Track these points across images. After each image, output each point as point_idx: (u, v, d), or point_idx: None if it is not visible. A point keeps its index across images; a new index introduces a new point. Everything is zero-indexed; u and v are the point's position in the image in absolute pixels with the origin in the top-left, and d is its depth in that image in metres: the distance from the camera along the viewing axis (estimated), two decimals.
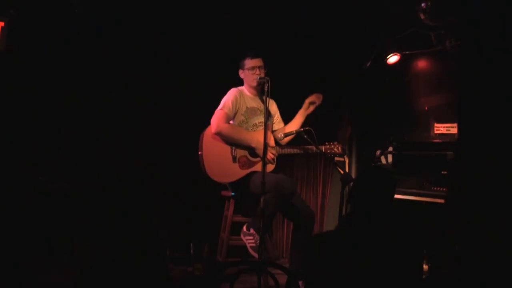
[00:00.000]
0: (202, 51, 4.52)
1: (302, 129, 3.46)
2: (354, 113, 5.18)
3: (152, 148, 4.32)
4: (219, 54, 4.57)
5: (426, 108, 4.42)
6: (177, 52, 4.45)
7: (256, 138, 3.49)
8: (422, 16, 3.74)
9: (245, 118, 3.57)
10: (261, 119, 3.61)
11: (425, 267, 3.13)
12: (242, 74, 3.65)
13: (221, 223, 3.86)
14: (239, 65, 3.66)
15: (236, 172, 3.48)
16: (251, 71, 3.56)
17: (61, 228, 3.06)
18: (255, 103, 3.65)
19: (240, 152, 3.51)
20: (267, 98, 3.25)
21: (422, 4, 3.69)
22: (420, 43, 4.26)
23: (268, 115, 3.62)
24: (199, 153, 3.53)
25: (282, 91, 3.86)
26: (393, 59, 4.52)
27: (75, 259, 2.65)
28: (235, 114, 3.55)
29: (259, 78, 3.46)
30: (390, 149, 4.06)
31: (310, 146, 3.51)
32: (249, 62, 3.58)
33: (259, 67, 3.56)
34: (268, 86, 3.24)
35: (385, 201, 1.90)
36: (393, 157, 3.96)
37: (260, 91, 3.65)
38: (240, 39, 4.59)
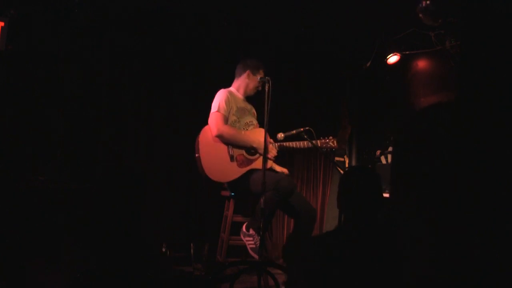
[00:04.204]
0: (200, 54, 4.53)
1: (302, 130, 3.46)
2: (354, 113, 5.19)
3: (152, 148, 4.32)
4: (219, 56, 4.57)
5: (420, 107, 4.42)
6: (176, 55, 4.45)
7: (257, 138, 3.49)
8: (421, 16, 3.73)
9: (237, 118, 3.57)
10: (250, 118, 3.64)
11: None
12: (248, 76, 3.62)
13: (221, 223, 3.86)
14: (249, 66, 3.62)
15: (235, 171, 3.48)
16: (258, 82, 3.57)
17: (60, 228, 3.06)
18: (244, 103, 3.67)
19: (237, 151, 3.51)
20: (268, 98, 3.24)
21: (422, 4, 3.69)
22: (420, 43, 4.27)
23: (253, 116, 3.67)
24: (196, 155, 3.53)
25: (282, 92, 3.86)
26: (393, 59, 4.52)
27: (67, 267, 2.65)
28: (228, 114, 3.54)
29: (260, 78, 3.48)
30: (390, 149, 4.05)
31: (306, 142, 3.52)
32: (261, 73, 3.60)
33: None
34: (269, 86, 3.23)
35: (374, 199, 1.89)
36: (392, 156, 3.95)
37: (250, 97, 3.70)
38: (240, 39, 4.59)
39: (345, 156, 5.10)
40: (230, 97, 3.55)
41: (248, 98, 3.72)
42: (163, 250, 3.41)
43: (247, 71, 3.61)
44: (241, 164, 3.48)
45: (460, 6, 3.33)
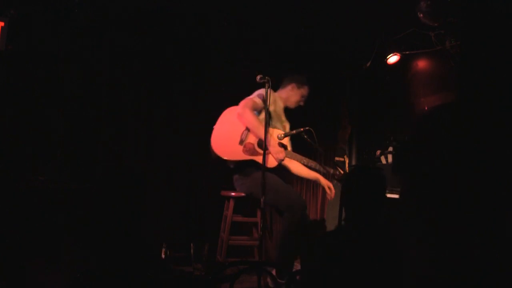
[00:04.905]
0: (200, 54, 4.53)
1: (302, 129, 3.45)
2: (354, 113, 5.19)
3: (152, 148, 4.32)
4: (219, 56, 4.57)
5: (426, 108, 4.42)
6: (176, 55, 4.45)
7: (273, 136, 3.50)
8: (421, 16, 3.73)
9: (269, 116, 3.52)
10: (279, 126, 3.64)
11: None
12: (292, 89, 3.68)
13: (221, 223, 3.86)
14: (295, 80, 3.67)
15: (237, 154, 3.47)
16: (301, 97, 3.68)
17: (60, 228, 3.06)
18: (281, 112, 3.70)
19: (250, 139, 3.51)
20: (268, 97, 3.23)
21: (422, 4, 3.69)
22: (420, 43, 4.26)
23: (283, 128, 3.65)
24: (214, 127, 3.57)
25: None
26: (393, 59, 4.52)
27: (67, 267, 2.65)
28: (262, 109, 3.53)
29: (260, 78, 3.46)
30: (390, 149, 4.06)
31: (319, 167, 3.52)
32: (305, 90, 3.68)
33: (305, 99, 3.71)
34: (268, 87, 3.23)
35: (377, 200, 1.89)
36: (393, 157, 3.96)
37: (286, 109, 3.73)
38: (240, 39, 4.59)
39: (345, 156, 5.09)
40: (272, 97, 3.54)
41: (287, 113, 3.74)
42: (164, 250, 3.42)
43: (293, 84, 3.68)
44: (246, 151, 3.48)
45: (460, 6, 3.33)
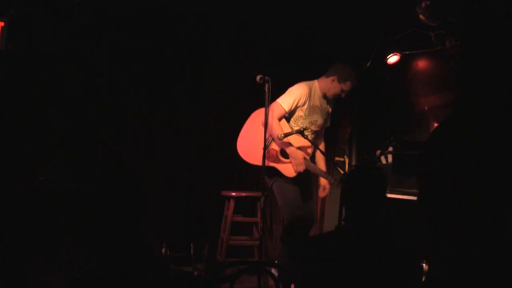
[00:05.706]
0: (200, 54, 4.53)
1: (302, 129, 3.44)
2: (354, 113, 5.19)
3: (152, 148, 4.32)
4: (219, 56, 4.57)
5: (426, 108, 4.42)
6: (176, 55, 4.45)
7: (294, 146, 3.43)
8: (421, 16, 3.73)
9: (304, 115, 3.49)
10: (316, 117, 3.54)
11: (425, 267, 3.13)
12: (332, 82, 3.51)
13: (221, 223, 3.86)
14: (339, 73, 3.50)
15: (259, 159, 3.36)
16: (340, 91, 3.51)
17: (60, 228, 3.06)
18: (319, 101, 3.56)
19: (274, 145, 3.46)
20: (268, 98, 3.22)
21: (422, 4, 3.69)
22: (420, 43, 4.26)
23: (323, 115, 3.58)
24: (245, 122, 3.55)
25: (282, 92, 3.85)
26: (393, 59, 4.52)
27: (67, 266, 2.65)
28: (294, 109, 3.47)
29: (260, 78, 3.44)
30: (390, 149, 4.05)
31: (326, 176, 3.48)
32: (347, 85, 3.50)
33: (346, 93, 3.54)
34: (268, 87, 3.21)
35: (377, 200, 1.89)
36: (393, 157, 3.96)
37: (329, 98, 3.61)
38: (240, 39, 4.59)
39: (345, 156, 5.09)
40: (306, 95, 3.45)
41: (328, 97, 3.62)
42: (164, 250, 3.41)
43: (335, 77, 3.50)
44: (268, 157, 3.41)
45: (460, 6, 3.33)
